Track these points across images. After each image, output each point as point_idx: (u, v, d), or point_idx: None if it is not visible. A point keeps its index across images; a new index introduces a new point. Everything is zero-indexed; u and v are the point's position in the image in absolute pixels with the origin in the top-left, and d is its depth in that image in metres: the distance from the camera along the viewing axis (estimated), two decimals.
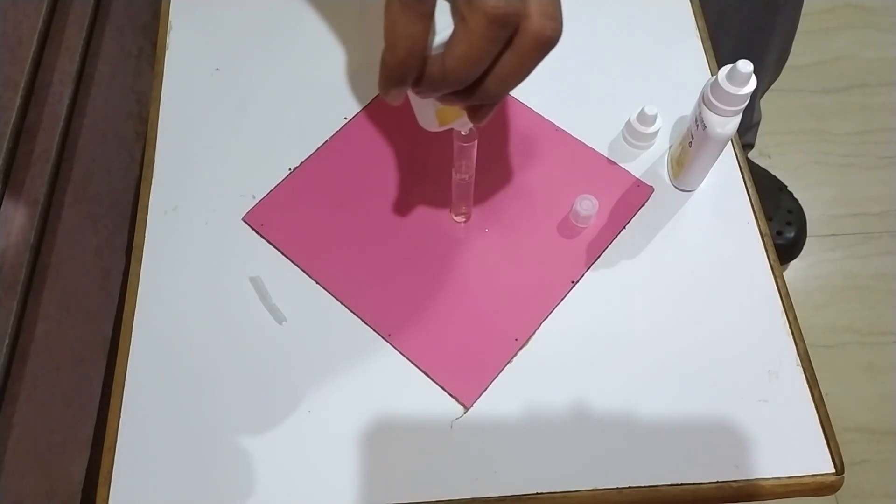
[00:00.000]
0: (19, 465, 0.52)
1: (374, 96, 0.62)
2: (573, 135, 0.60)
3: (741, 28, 0.83)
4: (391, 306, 0.53)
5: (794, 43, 0.95)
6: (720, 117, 0.49)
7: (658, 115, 0.57)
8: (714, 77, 0.48)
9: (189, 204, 0.58)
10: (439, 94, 0.37)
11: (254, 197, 0.58)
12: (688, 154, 0.54)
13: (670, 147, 0.59)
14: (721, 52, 0.64)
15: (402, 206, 0.57)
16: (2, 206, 0.52)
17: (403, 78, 0.35)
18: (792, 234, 1.18)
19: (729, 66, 0.47)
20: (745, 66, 0.46)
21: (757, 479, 0.48)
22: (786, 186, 1.23)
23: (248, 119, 0.61)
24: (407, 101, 0.42)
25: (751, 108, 1.06)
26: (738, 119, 0.50)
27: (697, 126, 0.51)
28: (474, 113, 0.39)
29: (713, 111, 0.49)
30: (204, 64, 0.64)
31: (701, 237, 0.56)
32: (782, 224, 1.18)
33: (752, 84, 0.47)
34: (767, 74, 0.97)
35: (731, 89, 0.47)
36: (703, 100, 0.50)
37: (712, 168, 0.55)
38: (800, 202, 1.21)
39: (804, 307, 1.19)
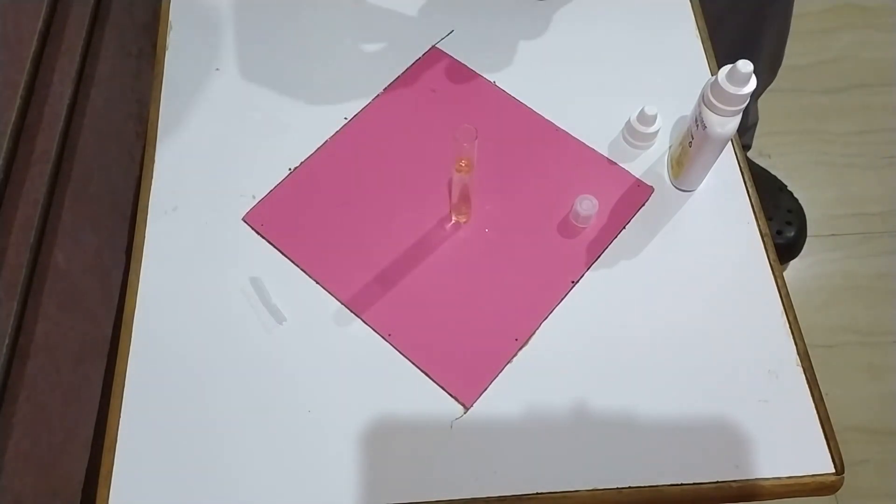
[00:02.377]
0: (19, 465, 0.52)
1: (375, 96, 0.62)
2: (573, 135, 0.60)
3: (730, 35, 0.84)
4: (391, 306, 0.53)
5: (794, 43, 0.95)
6: (720, 117, 0.49)
7: (658, 115, 0.57)
8: (714, 77, 0.48)
9: (189, 204, 0.58)
10: None
11: (254, 197, 0.58)
12: (688, 154, 0.54)
13: (670, 147, 0.59)
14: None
15: (402, 206, 0.57)
16: (2, 206, 0.52)
17: None
18: (792, 234, 1.18)
19: (729, 66, 0.47)
20: (744, 66, 0.46)
21: (757, 479, 0.48)
22: (786, 186, 1.23)
23: (248, 119, 0.61)
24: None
25: (747, 111, 1.06)
26: (737, 119, 0.50)
27: (697, 126, 0.51)
28: None
29: (713, 111, 0.49)
30: (204, 64, 0.64)
31: (701, 237, 0.56)
32: (782, 224, 1.18)
33: (752, 84, 0.47)
34: (760, 78, 0.98)
35: (731, 89, 0.47)
36: (703, 100, 0.50)
37: (712, 168, 0.55)
38: (800, 202, 1.21)
39: (804, 307, 1.19)
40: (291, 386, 0.51)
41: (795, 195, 1.21)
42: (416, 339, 0.52)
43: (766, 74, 1.00)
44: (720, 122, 0.50)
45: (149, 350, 0.52)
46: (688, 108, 0.56)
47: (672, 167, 0.58)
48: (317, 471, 0.48)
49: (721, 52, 0.65)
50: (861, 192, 1.30)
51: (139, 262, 0.55)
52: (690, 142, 0.53)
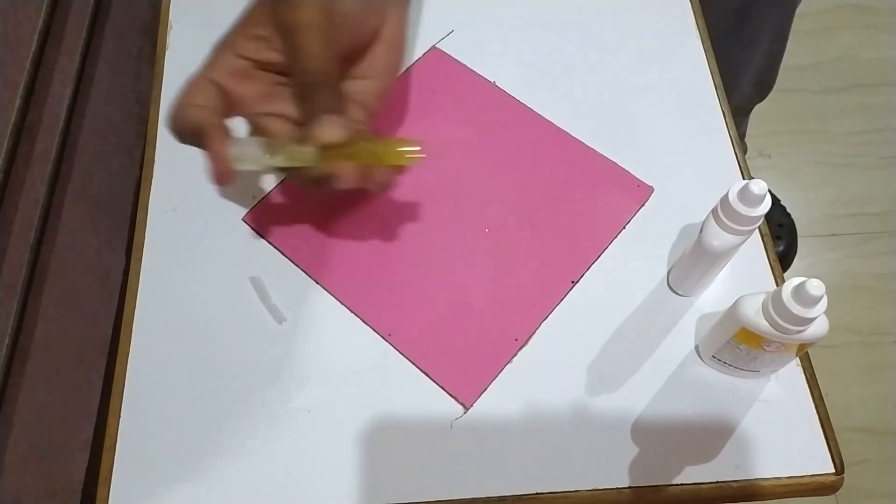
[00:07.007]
0: (19, 465, 0.52)
1: None
2: (573, 135, 0.60)
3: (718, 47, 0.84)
4: (391, 306, 0.53)
5: (794, 43, 0.95)
6: (719, 229, 0.46)
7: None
8: (727, 192, 0.45)
9: (189, 204, 0.58)
10: None
11: (254, 197, 0.58)
12: (683, 254, 0.52)
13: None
14: None
15: (402, 206, 0.57)
16: (2, 206, 0.52)
17: None
18: (781, 249, 1.20)
19: (742, 183, 0.44)
20: (757, 186, 0.42)
21: (757, 479, 0.48)
22: (779, 200, 1.23)
23: None
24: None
25: (740, 121, 1.08)
26: (738, 239, 0.46)
27: (700, 230, 0.48)
28: None
29: (716, 220, 0.46)
30: None
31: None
32: (772, 237, 1.19)
33: (764, 207, 0.44)
34: (744, 96, 1.00)
35: (740, 208, 0.44)
36: (714, 208, 0.46)
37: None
38: (792, 217, 1.21)
39: None
40: (291, 386, 0.51)
41: (795, 195, 1.21)
42: (416, 339, 0.52)
43: (752, 93, 1.01)
44: (716, 234, 0.46)
45: (149, 350, 0.52)
46: (687, 110, 0.56)
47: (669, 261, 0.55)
48: (316, 471, 0.48)
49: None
50: (861, 192, 1.31)
51: (139, 262, 0.55)
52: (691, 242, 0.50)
